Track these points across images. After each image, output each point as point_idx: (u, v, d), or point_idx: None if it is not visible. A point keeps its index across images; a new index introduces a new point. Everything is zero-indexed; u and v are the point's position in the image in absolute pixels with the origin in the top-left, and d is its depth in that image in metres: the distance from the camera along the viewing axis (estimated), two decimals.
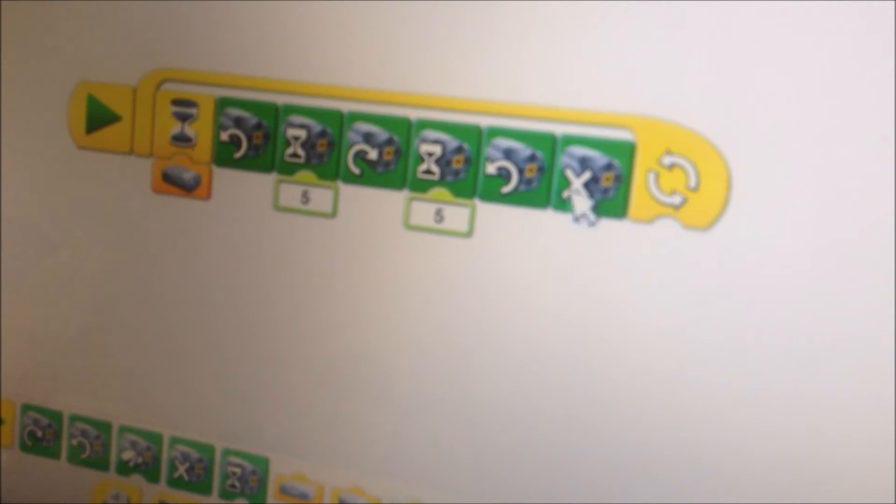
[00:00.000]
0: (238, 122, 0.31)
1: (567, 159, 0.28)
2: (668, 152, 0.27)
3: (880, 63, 0.25)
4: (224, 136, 0.31)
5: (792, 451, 0.27)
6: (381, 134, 0.29)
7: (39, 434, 0.35)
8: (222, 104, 0.31)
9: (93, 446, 0.34)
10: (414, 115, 0.29)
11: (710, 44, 0.26)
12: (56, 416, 0.35)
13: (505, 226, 0.29)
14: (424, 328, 0.30)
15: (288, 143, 0.30)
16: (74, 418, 0.34)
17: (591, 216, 0.26)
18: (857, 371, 0.26)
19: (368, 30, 0.29)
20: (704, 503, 0.28)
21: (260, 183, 0.31)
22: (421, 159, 0.29)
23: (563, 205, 0.28)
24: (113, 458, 0.34)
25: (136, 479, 0.34)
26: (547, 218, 0.28)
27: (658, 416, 0.28)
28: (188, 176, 0.32)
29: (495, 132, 0.28)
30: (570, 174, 0.28)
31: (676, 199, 0.27)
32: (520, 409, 0.29)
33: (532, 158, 0.28)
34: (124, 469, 0.34)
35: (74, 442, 0.35)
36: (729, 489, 0.27)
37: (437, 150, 0.29)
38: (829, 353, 0.26)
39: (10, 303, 0.34)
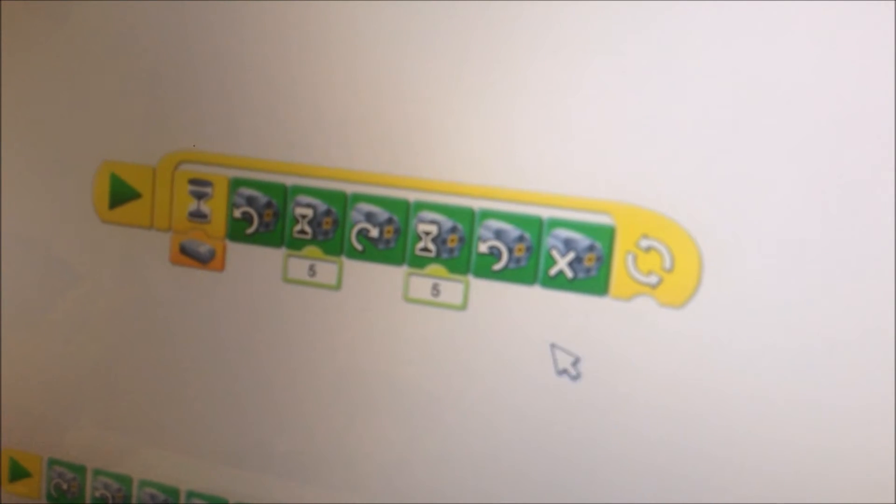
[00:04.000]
0: (250, 201, 0.33)
1: (553, 240, 0.30)
2: (645, 236, 0.29)
3: (847, 145, 0.27)
4: (237, 213, 0.33)
5: None
6: (382, 214, 0.32)
7: (65, 486, 0.37)
8: (235, 184, 0.33)
9: (114, 498, 0.37)
10: (412, 197, 0.31)
11: (684, 139, 0.28)
12: (80, 470, 0.37)
13: (496, 300, 0.31)
14: (421, 392, 0.32)
15: (296, 221, 0.33)
16: (98, 472, 0.37)
17: (573, 371, 0.28)
18: (829, 444, 0.28)
19: (370, 118, 0.31)
20: None
21: (270, 257, 0.33)
22: (419, 238, 0.31)
23: (550, 282, 0.30)
24: None
25: None
26: (534, 293, 0.30)
27: (641, 477, 0.30)
28: (204, 249, 0.34)
29: (487, 214, 0.31)
30: (555, 254, 0.30)
31: (653, 279, 0.29)
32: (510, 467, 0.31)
33: (521, 239, 0.30)
34: None
35: (97, 494, 0.37)
36: None
37: (433, 229, 0.31)
38: (801, 423, 0.28)
39: (29, 356, 0.37)
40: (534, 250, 0.30)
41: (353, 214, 0.32)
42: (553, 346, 0.30)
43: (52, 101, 0.35)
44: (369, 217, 0.32)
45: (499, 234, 0.30)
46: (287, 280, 0.33)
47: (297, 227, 0.33)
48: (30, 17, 0.35)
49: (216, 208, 0.34)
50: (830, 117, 0.27)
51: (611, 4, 0.28)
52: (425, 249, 0.31)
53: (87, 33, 0.34)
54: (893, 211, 0.27)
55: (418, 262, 0.32)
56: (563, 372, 0.29)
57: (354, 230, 0.32)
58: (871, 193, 0.27)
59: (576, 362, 0.29)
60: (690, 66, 0.28)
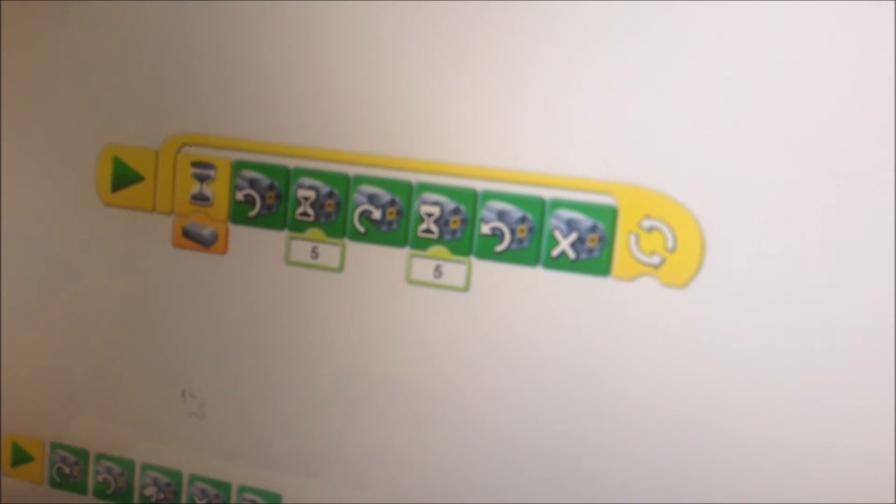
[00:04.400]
0: (252, 183, 0.33)
1: (555, 221, 0.30)
2: (648, 216, 0.29)
3: (847, 130, 0.27)
4: (239, 196, 0.33)
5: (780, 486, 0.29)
6: (385, 195, 0.32)
7: (67, 471, 0.38)
8: (238, 166, 0.33)
9: (117, 482, 0.37)
10: (414, 178, 0.31)
11: (686, 119, 0.28)
12: (83, 454, 0.37)
13: (499, 281, 0.31)
14: (424, 374, 0.32)
15: (298, 203, 0.33)
16: (100, 456, 0.37)
17: (200, 413, 0.31)
18: (828, 416, 0.28)
19: (373, 100, 0.32)
20: None
21: (273, 239, 0.33)
22: (421, 219, 0.31)
23: (552, 263, 0.30)
24: (136, 494, 0.37)
25: None
26: (537, 274, 0.30)
27: (645, 454, 0.30)
28: (206, 232, 0.34)
29: (489, 195, 0.31)
30: (557, 235, 0.30)
31: (655, 259, 0.29)
32: (518, 438, 0.32)
33: (523, 220, 0.30)
34: None
35: (100, 478, 0.37)
36: None
37: (435, 211, 0.31)
38: (800, 400, 0.28)
39: (31, 343, 0.37)
40: (536, 231, 0.30)
41: (356, 196, 0.32)
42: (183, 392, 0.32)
43: (54, 84, 0.35)
44: (372, 199, 0.32)
45: (501, 216, 0.30)
46: (290, 262, 0.33)
47: (300, 210, 0.33)
48: (31, 4, 0.35)
49: (219, 191, 0.34)
50: (832, 104, 0.27)
51: None
52: (428, 231, 0.31)
53: (89, 18, 0.34)
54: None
55: (421, 244, 0.32)
56: (193, 414, 0.30)
57: (357, 212, 0.32)
58: (870, 179, 0.27)
59: (203, 405, 0.31)
60: (692, 48, 0.28)
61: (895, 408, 0.27)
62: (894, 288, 0.27)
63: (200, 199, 0.34)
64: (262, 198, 0.33)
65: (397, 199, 0.32)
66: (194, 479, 0.36)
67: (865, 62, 0.27)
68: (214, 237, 0.34)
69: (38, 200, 0.36)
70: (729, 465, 0.29)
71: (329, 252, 0.33)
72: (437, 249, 0.31)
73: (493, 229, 0.31)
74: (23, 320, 0.37)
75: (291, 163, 0.33)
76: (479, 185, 0.31)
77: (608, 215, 0.29)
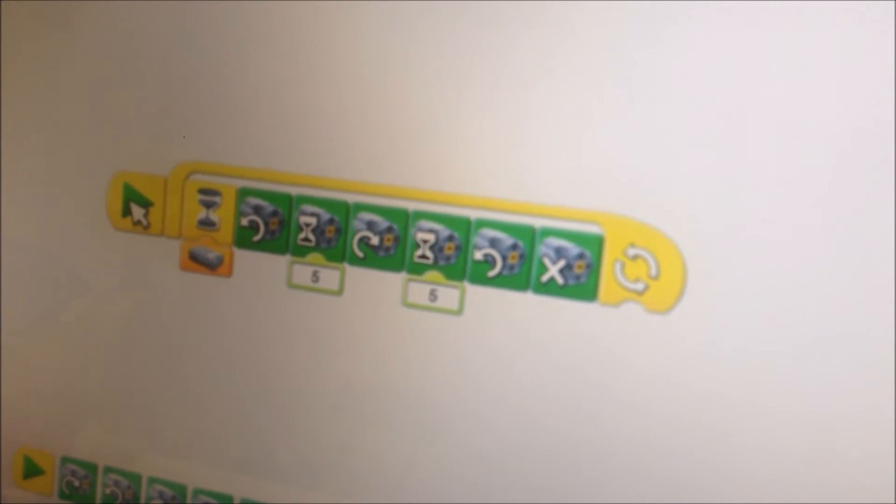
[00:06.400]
0: (257, 210, 0.35)
1: (545, 248, 0.31)
2: (632, 245, 0.30)
3: (831, 163, 0.28)
4: (244, 222, 0.35)
5: None
6: (382, 223, 0.33)
7: (76, 483, 0.39)
8: (243, 193, 0.35)
9: (124, 495, 0.38)
10: (411, 206, 0.33)
11: (669, 153, 0.30)
12: (91, 468, 0.39)
13: (491, 305, 0.32)
14: (419, 394, 0.34)
15: (300, 229, 0.34)
16: (108, 469, 0.38)
17: None
18: (816, 446, 0.29)
19: (372, 132, 0.33)
20: None
21: (275, 263, 0.35)
22: (417, 246, 0.33)
23: (542, 288, 0.32)
24: None
25: None
26: (527, 299, 0.32)
27: (634, 477, 0.31)
28: (212, 256, 0.36)
29: (482, 223, 0.32)
30: (547, 262, 0.31)
31: (640, 286, 0.30)
32: (517, 448, 0.33)
33: (514, 247, 0.32)
34: None
35: (108, 491, 0.38)
36: None
37: (431, 238, 0.33)
38: (780, 421, 0.30)
39: (43, 360, 0.38)
40: (527, 258, 0.32)
41: (355, 223, 0.34)
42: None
43: (67, 114, 0.37)
44: (370, 226, 0.33)
45: (493, 243, 0.32)
46: (291, 285, 0.35)
47: (302, 235, 0.34)
48: (41, 31, 0.37)
49: (224, 217, 0.35)
50: (814, 137, 0.28)
51: (604, 23, 0.30)
52: (423, 257, 0.33)
53: (99, 49, 0.36)
54: (879, 224, 0.28)
55: (417, 269, 0.33)
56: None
57: (356, 238, 0.34)
58: (853, 208, 0.28)
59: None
60: (677, 85, 0.29)
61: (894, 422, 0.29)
62: (882, 310, 0.28)
63: (207, 224, 0.35)
64: (266, 223, 0.35)
65: (394, 227, 0.33)
66: (198, 492, 0.37)
67: (852, 96, 0.28)
68: (220, 261, 0.36)
69: (51, 223, 0.38)
70: (715, 490, 0.31)
71: (329, 276, 0.34)
72: (433, 274, 0.33)
73: (486, 256, 0.32)
74: (35, 337, 0.39)
75: (294, 190, 0.34)
76: (473, 214, 0.32)
77: (595, 244, 0.31)
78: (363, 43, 0.33)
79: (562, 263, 0.31)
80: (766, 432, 0.30)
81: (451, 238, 0.32)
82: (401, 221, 0.33)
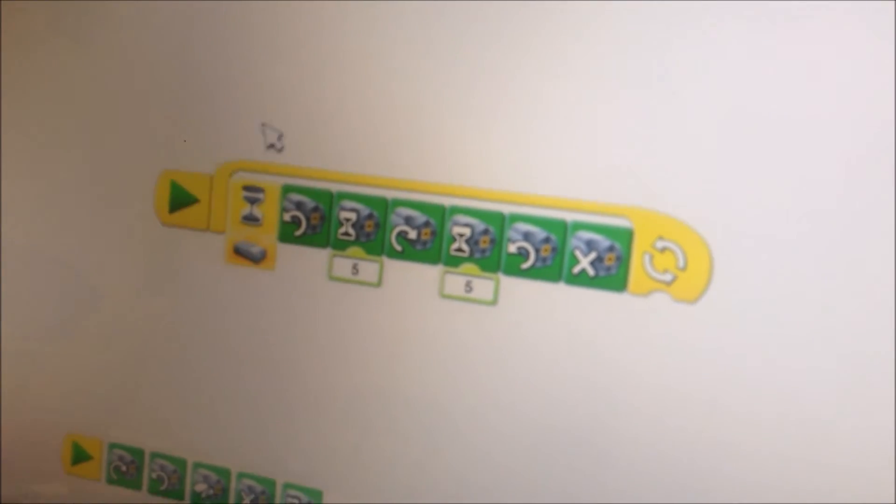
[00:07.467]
0: (299, 206, 0.36)
1: (576, 241, 0.33)
2: (661, 238, 0.32)
3: (853, 151, 0.29)
4: (287, 217, 0.37)
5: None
6: (420, 217, 0.35)
7: (123, 469, 0.41)
8: (286, 190, 0.36)
9: (170, 479, 0.40)
10: (448, 202, 0.34)
11: (696, 148, 0.31)
12: (138, 453, 0.40)
13: (524, 296, 0.34)
14: (457, 379, 0.35)
15: (341, 224, 0.36)
16: (155, 455, 0.40)
17: (279, 144, 0.31)
18: (840, 429, 0.31)
19: (410, 130, 0.35)
20: None
21: (317, 257, 0.36)
22: (453, 239, 0.34)
23: (573, 279, 0.33)
24: (188, 491, 0.40)
25: None
26: (559, 290, 0.33)
27: (656, 463, 0.33)
28: (256, 250, 0.37)
29: (516, 218, 0.34)
30: (578, 254, 0.33)
31: (668, 277, 0.32)
32: (532, 448, 0.34)
33: (546, 240, 0.33)
34: (198, 500, 0.40)
35: (154, 476, 0.40)
36: None
37: (467, 231, 0.34)
38: (810, 413, 0.31)
39: (94, 350, 0.40)
40: (559, 250, 0.33)
41: (393, 218, 0.35)
42: (263, 125, 0.33)
43: (114, 116, 0.38)
44: (408, 220, 0.35)
45: (527, 236, 0.33)
46: (332, 278, 0.36)
47: (342, 230, 0.36)
48: (92, 43, 0.38)
49: (268, 212, 0.37)
50: (836, 126, 0.30)
51: (636, 17, 0.32)
52: (459, 250, 0.34)
53: (151, 61, 0.38)
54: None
55: (453, 262, 0.35)
56: (271, 146, 0.32)
57: (394, 232, 0.35)
58: (876, 195, 0.29)
59: (280, 136, 0.32)
60: (702, 82, 0.31)
61: None
62: None
63: (251, 219, 0.37)
64: (308, 219, 0.36)
65: (432, 221, 0.35)
66: (242, 475, 0.39)
67: (868, 85, 0.29)
68: (263, 254, 0.37)
69: (103, 219, 0.39)
70: (740, 477, 0.32)
71: (368, 268, 0.36)
72: (468, 267, 0.34)
73: (520, 248, 0.34)
74: (89, 327, 0.40)
75: (335, 187, 0.36)
76: (507, 209, 0.34)
77: (625, 237, 0.32)
78: (400, 44, 0.34)
79: (593, 255, 0.33)
80: (796, 421, 0.31)
81: (486, 232, 0.34)
82: (438, 216, 0.35)
